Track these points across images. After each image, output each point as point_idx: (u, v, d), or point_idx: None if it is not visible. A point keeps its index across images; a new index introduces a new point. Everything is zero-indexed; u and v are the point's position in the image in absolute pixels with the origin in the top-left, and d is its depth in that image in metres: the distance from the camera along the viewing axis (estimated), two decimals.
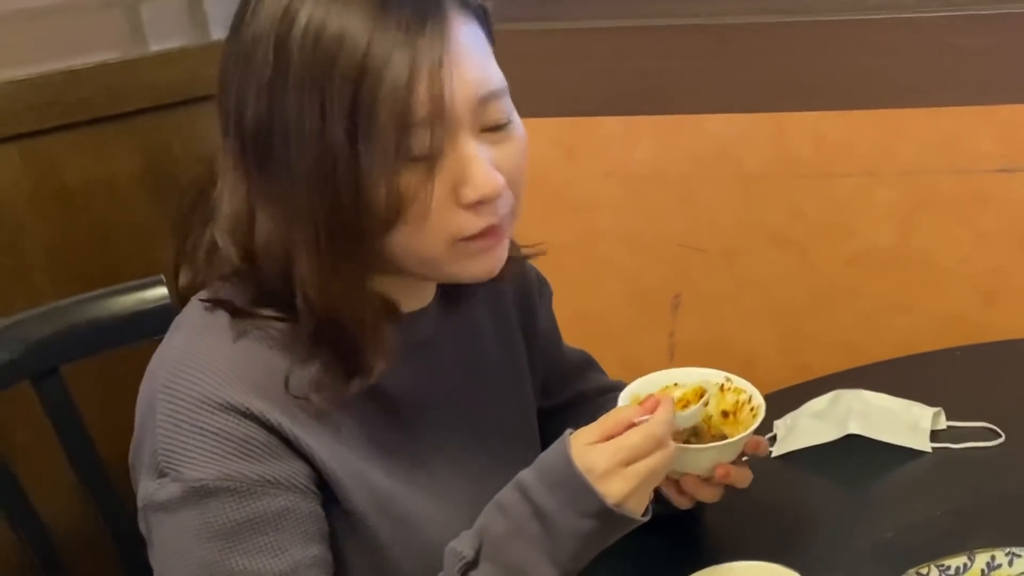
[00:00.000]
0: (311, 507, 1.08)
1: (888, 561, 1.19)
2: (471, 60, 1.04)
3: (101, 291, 1.48)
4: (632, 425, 1.07)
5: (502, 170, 1.06)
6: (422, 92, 1.00)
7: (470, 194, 1.04)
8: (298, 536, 1.06)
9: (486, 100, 1.05)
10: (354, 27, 0.99)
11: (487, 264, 1.10)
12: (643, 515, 1.07)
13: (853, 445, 1.42)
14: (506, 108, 1.08)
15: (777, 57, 1.92)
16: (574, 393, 1.41)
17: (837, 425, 1.44)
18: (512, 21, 1.98)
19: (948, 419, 1.46)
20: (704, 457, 1.15)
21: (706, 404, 1.17)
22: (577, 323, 1.95)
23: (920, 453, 1.40)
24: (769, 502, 1.33)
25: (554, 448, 1.07)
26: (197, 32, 1.98)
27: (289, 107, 1.01)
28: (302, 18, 1.00)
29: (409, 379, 1.16)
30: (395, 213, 1.02)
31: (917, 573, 1.15)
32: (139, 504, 1.09)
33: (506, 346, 1.29)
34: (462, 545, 1.07)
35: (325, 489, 1.10)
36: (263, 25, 1.02)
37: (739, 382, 1.20)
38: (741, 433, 1.15)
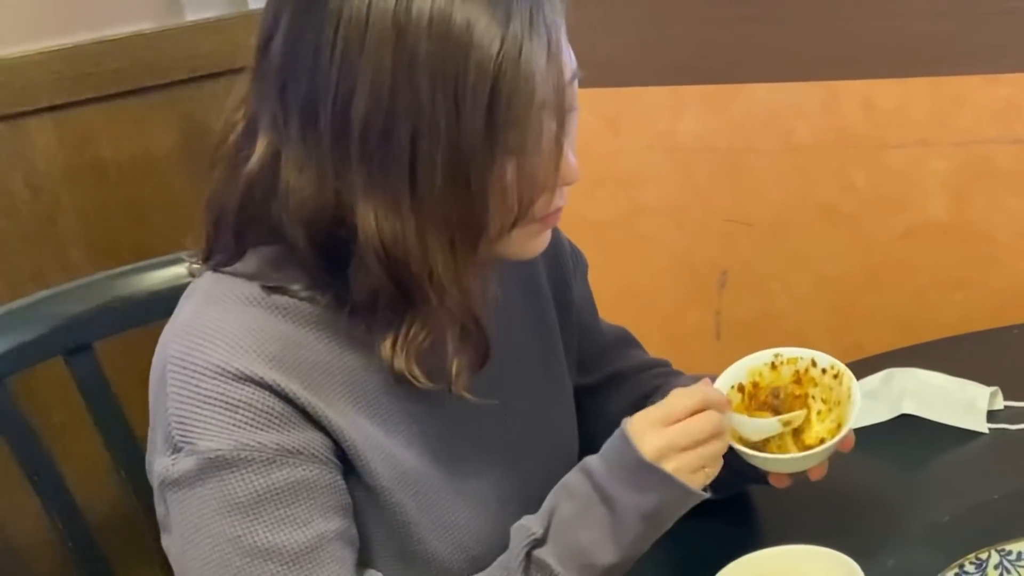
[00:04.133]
0: (331, 478, 1.07)
1: (944, 545, 1.17)
2: (566, 40, 1.04)
3: (135, 265, 1.47)
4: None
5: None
6: (551, 80, 1.00)
7: (558, 181, 1.04)
8: (319, 507, 1.05)
9: (571, 81, 1.05)
10: (479, 15, 0.96)
11: (540, 244, 1.11)
12: (705, 491, 1.09)
13: (906, 425, 1.40)
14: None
15: (828, 23, 1.90)
16: (612, 370, 1.38)
17: (890, 405, 1.42)
18: None
19: (1005, 399, 1.43)
20: (810, 460, 1.15)
21: (785, 424, 1.16)
22: (622, 300, 1.92)
23: (976, 434, 1.38)
24: (820, 484, 1.30)
25: (620, 435, 1.09)
26: (234, 1, 1.96)
27: (420, 101, 0.97)
28: (423, 5, 0.96)
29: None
30: (527, 206, 1.02)
31: (977, 558, 1.13)
32: (155, 483, 1.07)
33: (538, 320, 1.28)
34: (531, 522, 1.09)
35: (345, 462, 1.08)
36: (374, 8, 0.97)
37: (791, 352, 1.19)
38: (845, 419, 1.15)
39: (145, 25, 1.85)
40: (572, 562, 1.07)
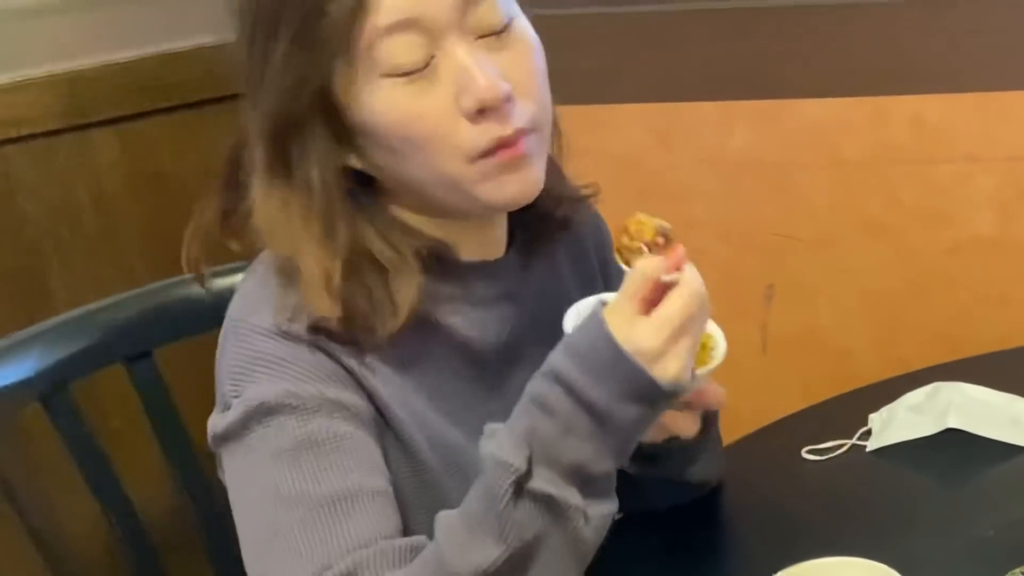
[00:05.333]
0: (374, 443, 1.05)
1: (989, 560, 1.16)
2: None
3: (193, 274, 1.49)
4: (661, 285, 0.97)
5: (510, 79, 1.03)
6: (385, 2, 0.99)
7: (468, 101, 1.01)
8: (361, 463, 1.03)
9: (472, 2, 1.02)
10: None
11: (516, 185, 1.06)
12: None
13: (952, 440, 1.39)
14: (501, 11, 1.04)
15: (876, 39, 1.90)
16: None
17: (935, 419, 1.41)
18: (605, 5, 1.97)
19: None
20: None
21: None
22: None
23: (1022, 449, 1.36)
24: (864, 497, 1.32)
25: (590, 331, 0.97)
26: None
27: (255, 50, 1.03)
28: None
29: (492, 331, 1.14)
30: (393, 135, 1.02)
31: (1021, 573, 1.13)
32: (209, 443, 1.08)
33: None
34: (508, 454, 0.95)
35: (390, 435, 1.08)
36: None
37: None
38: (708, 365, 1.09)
39: (206, 39, 1.88)
40: (568, 480, 0.96)
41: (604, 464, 0.97)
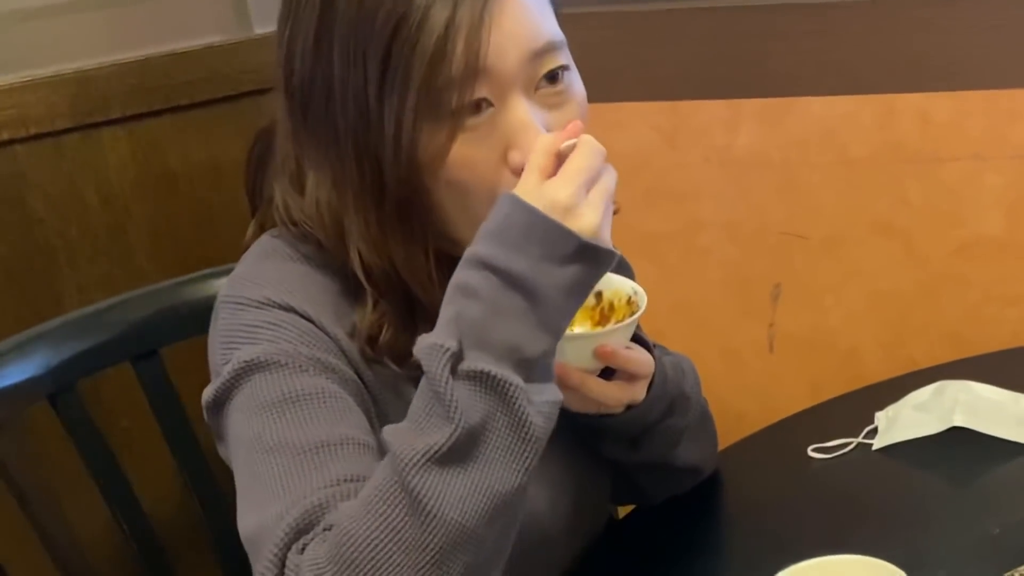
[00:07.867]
0: (360, 411, 1.05)
1: (994, 558, 1.17)
2: (520, 14, 1.03)
3: (201, 273, 1.50)
4: (559, 153, 0.98)
5: None
6: (460, 48, 0.99)
7: (518, 157, 1.03)
8: (350, 419, 1.02)
9: (538, 56, 1.04)
10: None
11: None
12: None
13: (958, 438, 1.39)
14: (561, 61, 1.06)
15: (883, 36, 1.89)
16: None
17: (941, 417, 1.42)
18: (612, 3, 1.97)
19: None
20: (584, 345, 1.07)
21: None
22: (676, 313, 1.94)
23: None
24: (869, 495, 1.32)
25: (500, 209, 0.96)
26: None
27: (333, 62, 1.02)
28: None
29: None
30: (438, 173, 1.03)
31: (1021, 574, 1.13)
32: (205, 417, 1.08)
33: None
34: (439, 336, 0.93)
35: (372, 410, 1.08)
36: None
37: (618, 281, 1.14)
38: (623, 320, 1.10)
39: (215, 39, 1.89)
40: (504, 362, 0.93)
41: (539, 344, 0.94)
